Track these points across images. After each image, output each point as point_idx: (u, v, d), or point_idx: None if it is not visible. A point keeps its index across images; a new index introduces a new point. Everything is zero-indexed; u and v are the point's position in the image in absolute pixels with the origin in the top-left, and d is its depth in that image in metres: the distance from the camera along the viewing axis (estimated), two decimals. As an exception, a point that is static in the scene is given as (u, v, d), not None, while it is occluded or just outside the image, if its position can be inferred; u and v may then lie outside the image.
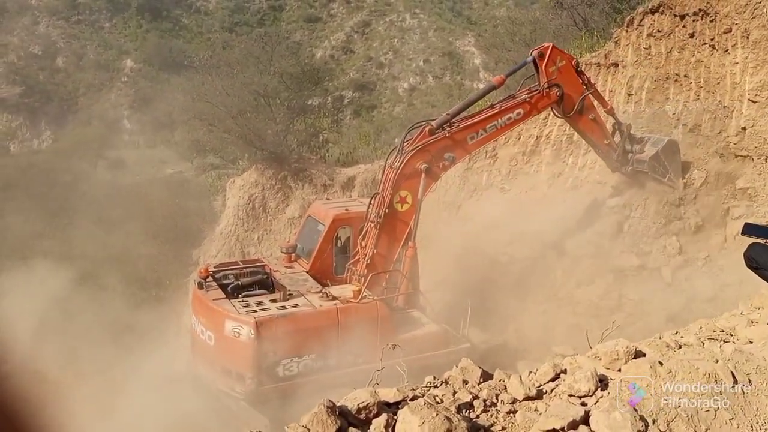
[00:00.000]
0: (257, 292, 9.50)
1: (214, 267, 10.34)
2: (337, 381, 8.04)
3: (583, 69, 14.81)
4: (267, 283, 9.77)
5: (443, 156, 9.92)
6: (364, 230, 10.15)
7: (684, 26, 13.21)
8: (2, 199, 25.52)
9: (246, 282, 9.65)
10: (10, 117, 58.18)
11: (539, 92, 10.71)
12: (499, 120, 10.38)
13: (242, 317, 8.55)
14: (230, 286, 9.54)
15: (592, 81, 14.89)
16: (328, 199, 12.40)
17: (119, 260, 18.26)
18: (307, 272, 10.40)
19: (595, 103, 11.82)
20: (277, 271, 10.34)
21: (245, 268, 10.25)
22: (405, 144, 9.92)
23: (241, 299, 9.15)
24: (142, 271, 18.60)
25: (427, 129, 9.81)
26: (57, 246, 19.36)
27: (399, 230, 9.96)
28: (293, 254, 10.99)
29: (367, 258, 9.85)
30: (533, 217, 14.69)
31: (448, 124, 9.91)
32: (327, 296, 9.30)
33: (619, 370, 4.08)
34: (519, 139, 16.13)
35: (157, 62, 65.31)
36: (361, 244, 10.14)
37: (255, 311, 8.74)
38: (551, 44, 11.13)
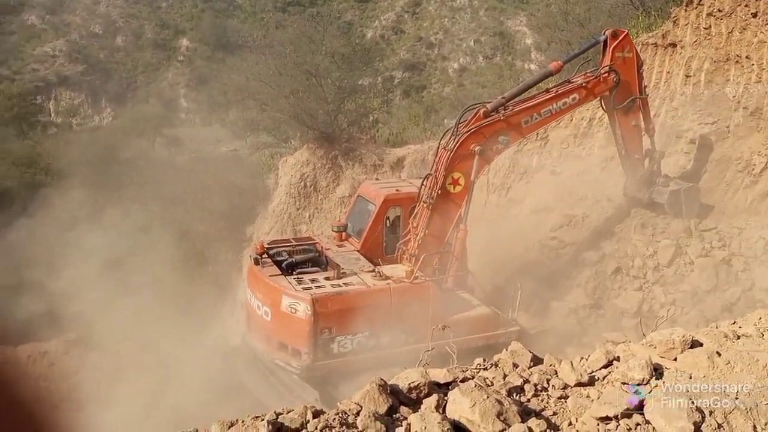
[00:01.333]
0: (310, 269, 9.66)
1: (268, 244, 10.51)
2: (389, 360, 8.20)
3: (639, 49, 14.52)
4: (320, 261, 9.97)
5: (497, 139, 9.85)
6: (416, 211, 10.16)
7: (746, 5, 12.63)
8: (66, 174, 26.59)
9: (299, 259, 9.88)
10: (73, 94, 60.27)
11: (597, 77, 10.57)
12: (555, 104, 10.25)
13: (299, 293, 8.69)
14: (284, 263, 9.74)
15: (650, 61, 14.54)
16: (377, 179, 12.47)
17: (176, 236, 18.83)
18: (358, 251, 10.52)
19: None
20: (329, 249, 10.50)
21: (298, 245, 10.46)
22: (460, 126, 9.87)
23: (296, 276, 9.32)
24: (198, 246, 19.17)
25: (482, 111, 9.75)
26: (117, 221, 20.08)
27: (451, 211, 9.99)
28: (344, 233, 11.10)
29: (418, 238, 9.89)
30: (584, 201, 14.47)
31: (503, 107, 9.84)
32: (380, 275, 9.37)
33: (675, 360, 4.04)
34: (571, 121, 15.80)
35: (212, 42, 66.38)
36: (412, 225, 10.18)
37: (310, 288, 8.87)
38: (626, 30, 10.99)
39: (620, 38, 10.59)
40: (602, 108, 11.60)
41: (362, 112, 22.41)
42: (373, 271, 9.54)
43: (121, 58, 65.43)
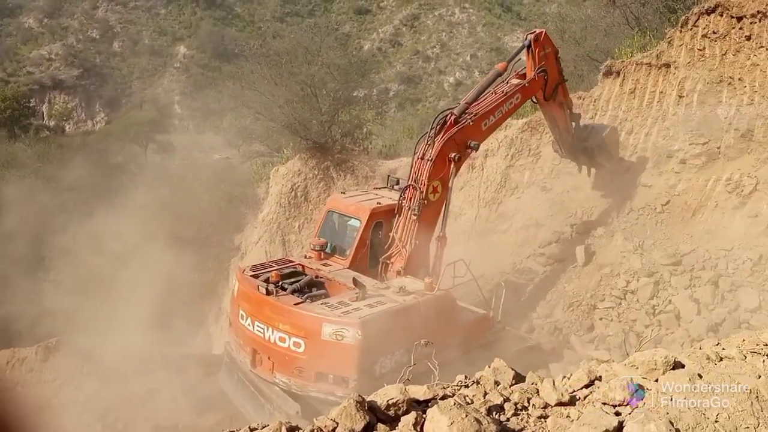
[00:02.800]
0: (318, 292, 9.31)
1: (251, 269, 10.04)
2: (421, 374, 8.08)
3: (633, 69, 14.67)
4: (319, 283, 9.63)
5: (469, 144, 10.20)
6: (397, 222, 10.16)
7: (741, 28, 12.74)
8: (56, 177, 26.48)
9: (303, 283, 9.41)
10: (67, 98, 60.23)
11: (532, 78, 11.42)
12: (505, 106, 10.95)
13: (344, 319, 8.29)
14: (288, 289, 9.21)
15: (644, 81, 14.67)
16: (343, 192, 12.03)
17: (164, 242, 18.72)
18: (347, 269, 10.23)
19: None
20: (318, 269, 10.11)
21: (283, 268, 10.05)
22: (433, 134, 10.04)
23: (321, 301, 8.90)
24: (185, 253, 19.03)
25: (452, 118, 10.00)
26: (105, 225, 19.97)
27: (433, 219, 10.19)
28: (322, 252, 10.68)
29: (407, 249, 9.90)
30: (573, 218, 14.50)
31: (467, 112, 10.22)
32: (403, 291, 9.16)
33: (657, 381, 3.99)
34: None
35: (209, 49, 66.59)
36: (396, 236, 10.10)
37: (349, 312, 8.51)
38: (543, 30, 11.89)
39: (540, 39, 11.52)
40: (534, 101, 12.43)
41: (356, 124, 22.42)
42: (388, 287, 9.30)
43: (117, 63, 65.50)
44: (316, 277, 9.78)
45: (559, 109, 12.63)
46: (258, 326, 8.94)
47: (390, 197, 10.88)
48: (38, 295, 17.82)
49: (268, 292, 8.93)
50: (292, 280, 9.50)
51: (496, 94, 10.99)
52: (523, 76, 11.65)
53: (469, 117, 10.23)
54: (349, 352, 8.16)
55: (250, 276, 9.62)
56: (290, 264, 10.29)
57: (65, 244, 19.59)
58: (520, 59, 11.76)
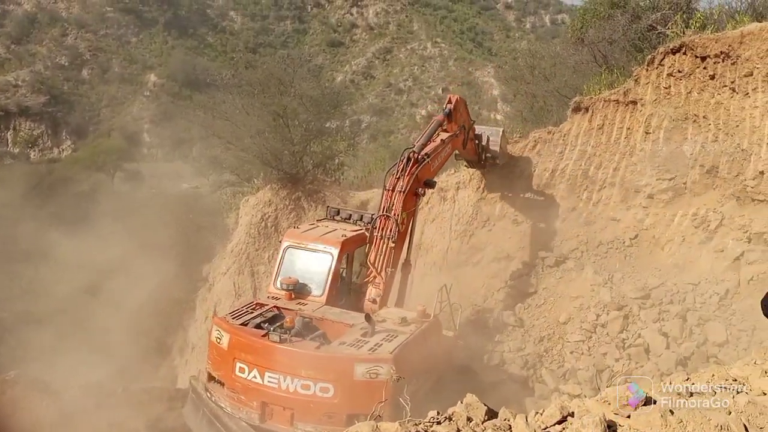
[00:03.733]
0: (317, 334, 9.07)
1: (231, 315, 9.62)
2: (424, 400, 8.05)
3: (601, 106, 15.08)
4: (312, 326, 9.39)
5: (426, 181, 11.21)
6: (370, 251, 10.27)
7: (705, 68, 13.16)
8: (20, 206, 25.86)
9: (300, 326, 9.11)
10: (33, 125, 59.25)
11: (455, 134, 12.94)
12: (444, 152, 12.31)
13: (376, 356, 8.24)
14: (288, 334, 8.85)
15: (611, 117, 15.05)
16: (297, 227, 11.94)
17: (129, 272, 18.34)
18: (325, 305, 10.02)
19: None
20: (301, 310, 9.78)
21: (264, 312, 9.70)
22: (401, 169, 10.74)
23: (338, 342, 8.73)
24: (151, 283, 18.65)
25: (416, 157, 10.91)
26: (69, 254, 19.50)
27: (401, 248, 10.73)
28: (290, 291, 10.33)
29: (383, 276, 10.10)
30: (544, 250, 14.63)
31: (422, 153, 11.21)
32: (402, 321, 9.26)
33: (629, 417, 3.97)
34: (534, 171, 16.10)
35: (180, 78, 66.40)
36: (374, 266, 10.16)
37: (375, 349, 8.45)
38: (458, 96, 13.42)
39: (455, 103, 12.99)
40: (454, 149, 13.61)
41: (328, 155, 22.42)
42: (384, 320, 9.29)
43: (85, 90, 64.88)
44: (310, 320, 9.48)
45: (472, 145, 14.37)
46: (270, 377, 8.54)
47: (342, 228, 11.10)
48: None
49: (282, 340, 8.61)
50: (278, 323, 9.18)
51: (437, 142, 12.18)
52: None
53: (427, 158, 11.20)
54: (384, 389, 8.00)
55: (239, 325, 9.18)
56: (266, 307, 9.92)
57: (26, 273, 19.03)
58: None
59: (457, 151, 14.00)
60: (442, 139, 12.41)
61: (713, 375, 4.82)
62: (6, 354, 17.25)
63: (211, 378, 9.37)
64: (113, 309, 17.05)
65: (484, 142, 14.99)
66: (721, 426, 3.55)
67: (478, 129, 14.95)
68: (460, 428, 4.25)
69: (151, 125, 61.71)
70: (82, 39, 69.21)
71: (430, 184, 11.35)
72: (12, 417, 10.92)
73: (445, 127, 12.79)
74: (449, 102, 13.17)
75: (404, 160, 10.79)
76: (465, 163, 15.97)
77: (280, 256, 10.83)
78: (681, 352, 11.12)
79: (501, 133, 15.54)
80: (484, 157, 15.15)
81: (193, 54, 72.08)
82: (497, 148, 15.22)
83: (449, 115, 12.83)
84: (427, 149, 11.51)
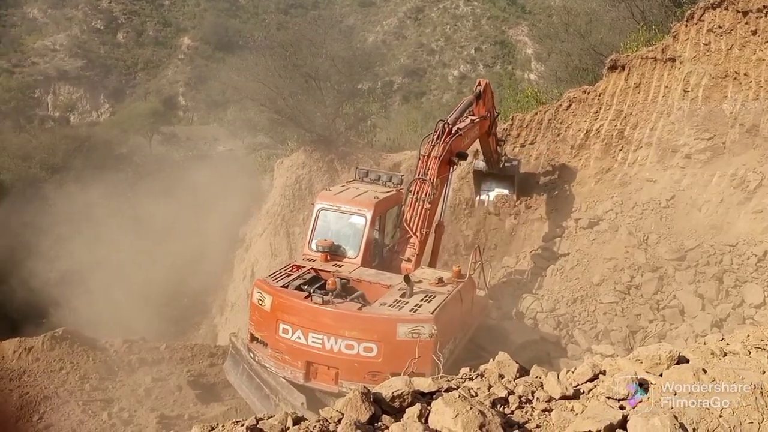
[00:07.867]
0: (356, 294, 9.15)
1: (271, 278, 9.68)
2: (459, 359, 8.49)
3: (639, 63, 14.69)
4: (350, 287, 9.49)
5: (458, 153, 11.53)
6: (406, 213, 10.61)
7: (747, 23, 12.67)
8: (62, 168, 26.54)
9: (342, 287, 9.20)
10: (71, 89, 60.16)
11: (483, 118, 13.49)
12: (474, 131, 12.85)
13: (418, 317, 8.39)
14: (331, 295, 8.96)
15: (649, 75, 14.68)
16: (329, 189, 11.87)
17: (168, 233, 18.78)
18: (360, 266, 10.10)
19: None
20: (338, 271, 9.85)
21: (302, 274, 9.75)
22: (436, 137, 11.20)
23: (379, 303, 8.83)
24: (190, 244, 19.09)
25: (452, 128, 11.42)
26: (111, 215, 20.03)
27: (436, 210, 11.05)
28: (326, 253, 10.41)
29: (418, 237, 10.46)
30: (577, 212, 14.52)
31: (457, 126, 11.79)
32: (439, 281, 9.36)
33: (661, 375, 4.01)
34: (568, 132, 15.85)
35: (213, 41, 66.35)
36: (409, 227, 10.47)
37: (416, 309, 8.58)
38: (487, 81, 13.86)
39: (484, 86, 13.49)
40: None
41: (360, 117, 22.40)
42: (420, 281, 9.37)
43: (121, 54, 65.38)
44: (348, 281, 9.55)
45: (494, 139, 14.89)
46: (314, 338, 8.70)
47: (374, 190, 11.05)
48: (45, 285, 17.90)
49: (324, 302, 8.77)
50: (317, 285, 9.30)
51: (467, 121, 12.73)
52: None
53: (460, 131, 11.72)
54: (425, 348, 8.19)
55: (280, 287, 9.27)
56: (303, 269, 9.98)
57: (70, 234, 19.65)
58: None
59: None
60: (471, 119, 13.01)
61: (748, 335, 4.80)
62: (53, 312, 17.99)
63: (253, 339, 9.53)
64: (153, 269, 17.52)
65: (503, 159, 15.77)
66: (754, 385, 3.56)
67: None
68: (492, 384, 4.34)
69: (186, 88, 62.11)
70: (117, 2, 69.46)
71: (462, 156, 11.68)
72: (60, 372, 11.41)
73: (472, 110, 13.36)
74: (478, 84, 13.62)
75: (439, 130, 11.32)
76: (485, 162, 16.11)
77: (313, 218, 10.84)
78: (716, 314, 11.02)
79: (520, 164, 16.20)
80: (503, 163, 15.77)
81: (225, 16, 71.83)
82: (516, 163, 15.95)
83: (479, 97, 13.35)
84: (459, 125, 12.02)
